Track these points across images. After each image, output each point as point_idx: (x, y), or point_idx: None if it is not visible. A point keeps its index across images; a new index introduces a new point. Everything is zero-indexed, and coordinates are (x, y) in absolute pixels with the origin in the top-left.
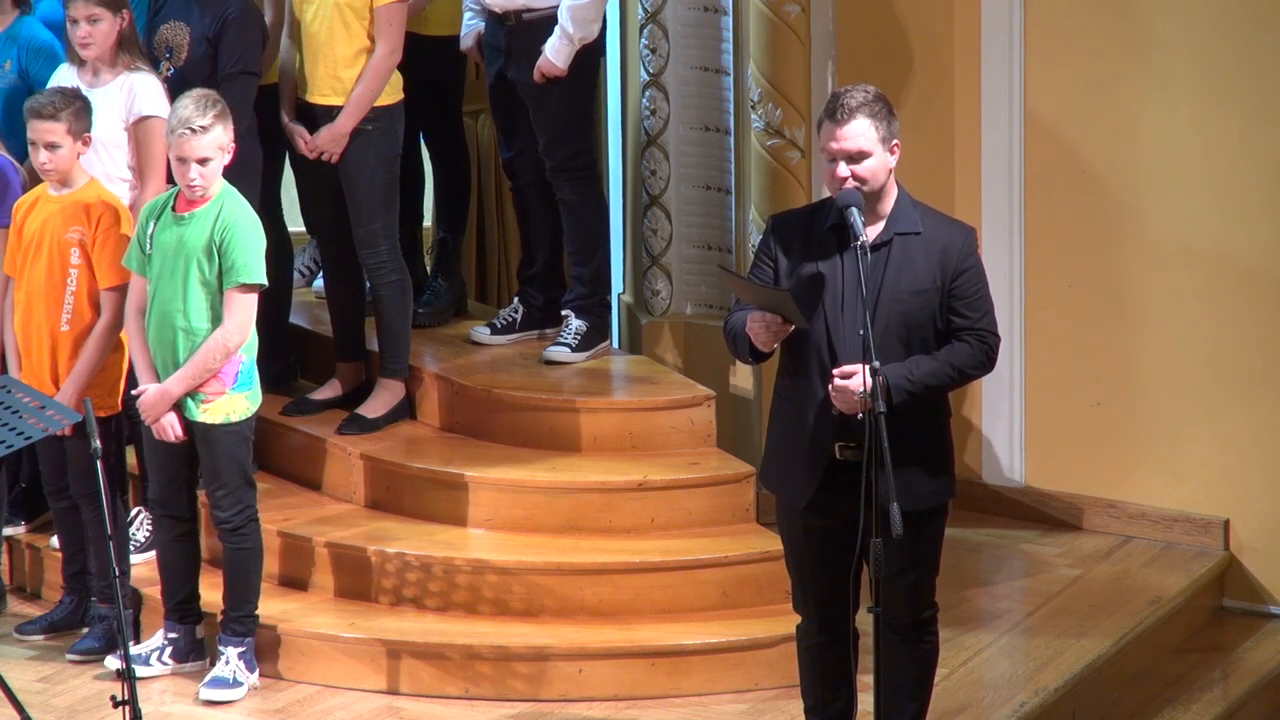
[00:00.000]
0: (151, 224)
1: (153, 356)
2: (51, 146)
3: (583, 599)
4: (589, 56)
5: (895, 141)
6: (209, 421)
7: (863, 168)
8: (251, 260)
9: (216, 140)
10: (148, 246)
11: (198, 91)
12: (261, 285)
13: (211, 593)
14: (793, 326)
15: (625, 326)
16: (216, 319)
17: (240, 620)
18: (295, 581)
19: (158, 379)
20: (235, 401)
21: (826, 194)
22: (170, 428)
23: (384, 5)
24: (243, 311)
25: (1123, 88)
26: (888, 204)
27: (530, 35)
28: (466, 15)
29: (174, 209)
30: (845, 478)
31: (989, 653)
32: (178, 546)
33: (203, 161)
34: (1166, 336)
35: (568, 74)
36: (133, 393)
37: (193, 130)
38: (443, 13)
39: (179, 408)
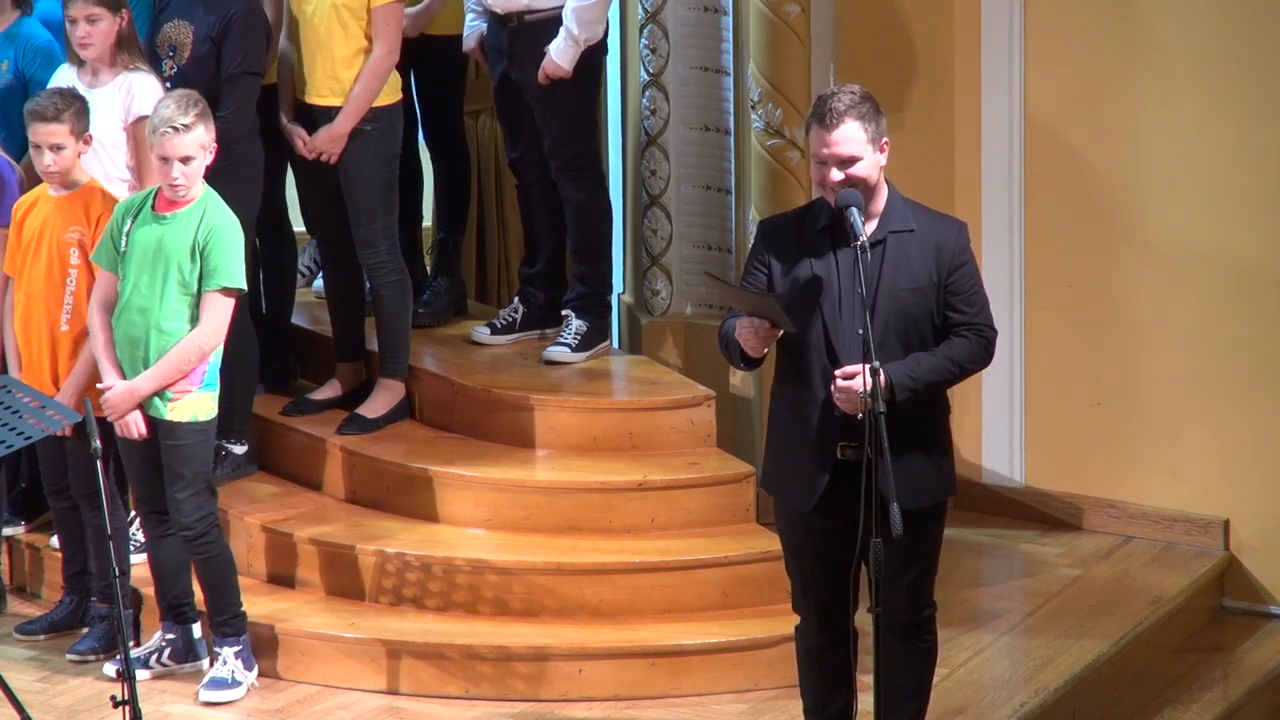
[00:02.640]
0: (128, 221)
1: (119, 353)
2: (56, 148)
3: (583, 599)
4: (592, 56)
5: (885, 140)
6: (176, 420)
7: (855, 171)
8: (233, 264)
9: (198, 139)
10: (122, 244)
11: (180, 91)
12: (241, 290)
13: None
14: (781, 332)
15: (625, 326)
16: (191, 320)
17: (228, 623)
18: (294, 581)
19: (122, 375)
20: (202, 400)
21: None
22: (134, 425)
23: (381, 5)
24: (220, 314)
25: (1123, 88)
26: (879, 203)
27: (533, 36)
28: (469, 16)
29: (154, 208)
30: (846, 478)
31: (989, 653)
32: (165, 544)
33: (185, 160)
34: (1166, 336)
35: (571, 75)
36: (98, 386)
37: (174, 129)
38: (446, 11)
39: (144, 406)
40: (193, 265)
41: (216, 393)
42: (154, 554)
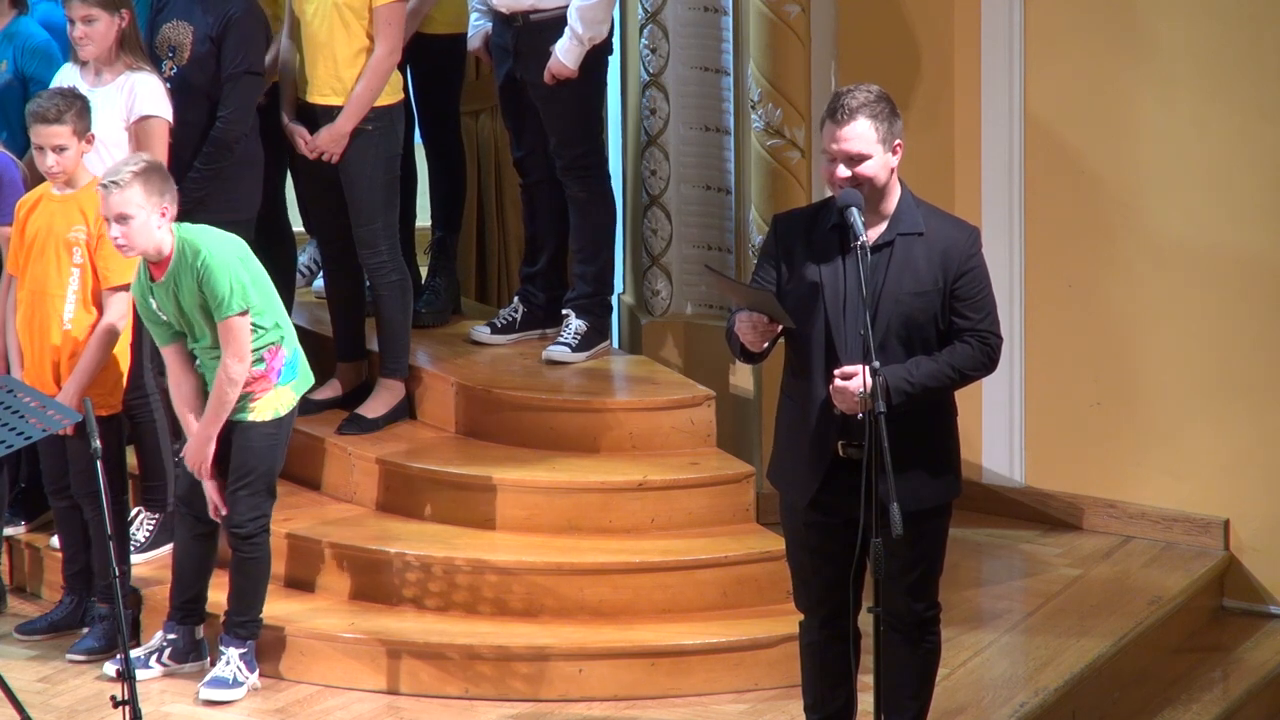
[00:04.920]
0: (152, 300)
1: (206, 378)
2: (59, 149)
3: (583, 599)
4: (597, 56)
5: (898, 141)
6: (254, 419)
7: (863, 169)
8: (225, 291)
9: (134, 199)
10: (162, 317)
11: (130, 155)
12: (244, 309)
13: (215, 593)
14: (780, 327)
15: (625, 326)
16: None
17: (244, 625)
18: (295, 581)
19: None
20: (281, 395)
21: (829, 193)
22: (205, 468)
23: (383, 5)
24: (236, 339)
25: (1123, 88)
26: (890, 203)
27: (538, 36)
28: (473, 16)
29: (153, 279)
30: (847, 476)
31: (989, 653)
32: (195, 545)
33: (121, 219)
34: (1166, 336)
35: (576, 74)
36: (175, 448)
37: (106, 187)
38: (445, 11)
39: (233, 413)
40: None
41: (299, 379)
42: (179, 554)
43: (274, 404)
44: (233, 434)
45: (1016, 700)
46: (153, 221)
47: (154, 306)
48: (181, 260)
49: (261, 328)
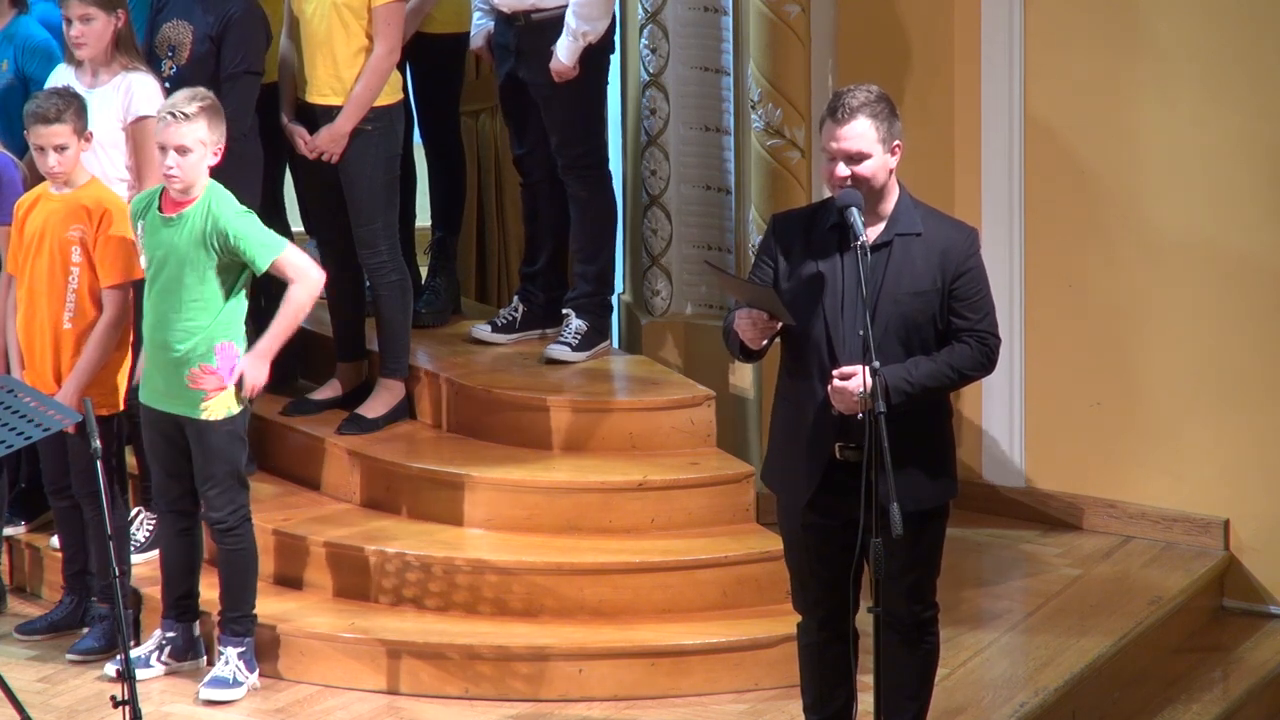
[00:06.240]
0: (139, 223)
1: (148, 360)
2: (60, 149)
3: (583, 599)
4: (599, 55)
5: (897, 142)
6: (210, 419)
7: (862, 168)
8: (264, 239)
9: (198, 133)
10: (137, 245)
11: (194, 88)
12: (286, 247)
13: (210, 592)
14: (780, 324)
15: (625, 326)
16: (213, 313)
17: (238, 621)
18: (295, 581)
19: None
20: (233, 394)
21: (827, 193)
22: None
23: (382, 4)
24: (297, 266)
25: (1123, 87)
26: (889, 204)
27: (539, 35)
28: (476, 15)
29: (161, 210)
30: (845, 478)
31: (989, 653)
32: (179, 542)
33: (181, 150)
34: (1166, 336)
35: (578, 73)
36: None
37: (174, 116)
38: (446, 10)
39: (177, 409)
40: (208, 256)
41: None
42: (165, 552)
43: (226, 403)
44: (187, 435)
45: (1016, 700)
46: (206, 160)
47: (137, 230)
48: (206, 209)
49: (226, 322)
